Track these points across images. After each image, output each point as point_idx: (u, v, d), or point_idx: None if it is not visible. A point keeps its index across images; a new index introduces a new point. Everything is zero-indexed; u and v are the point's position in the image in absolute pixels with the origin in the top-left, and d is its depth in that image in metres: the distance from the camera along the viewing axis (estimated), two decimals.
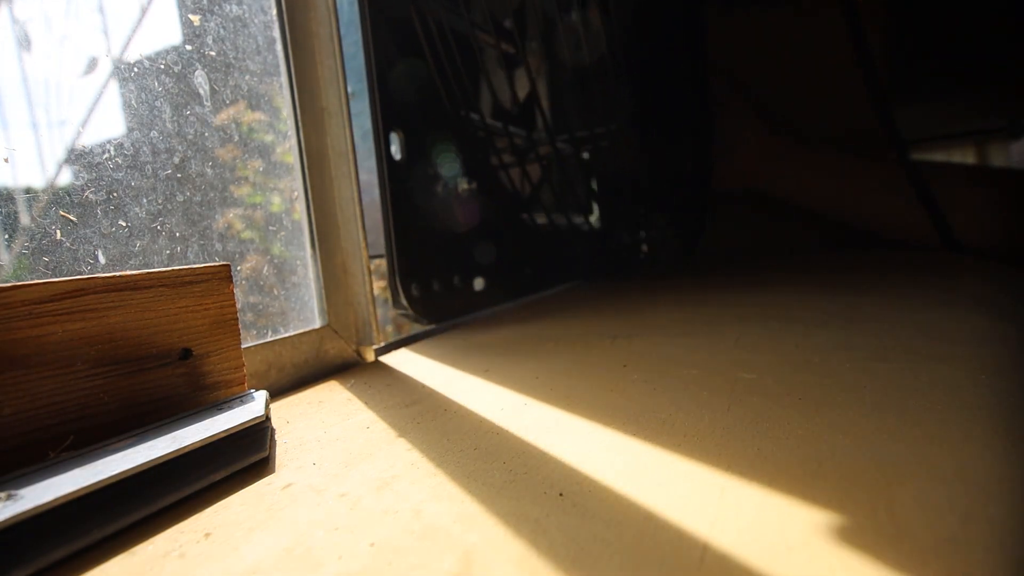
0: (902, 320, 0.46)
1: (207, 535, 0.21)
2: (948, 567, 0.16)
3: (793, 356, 0.38)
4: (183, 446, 0.24)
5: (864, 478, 0.21)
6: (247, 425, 0.28)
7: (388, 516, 0.22)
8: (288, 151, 0.50)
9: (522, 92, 0.91)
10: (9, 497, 0.20)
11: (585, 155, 1.01)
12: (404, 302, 0.63)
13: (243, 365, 0.34)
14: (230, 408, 0.30)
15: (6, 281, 0.30)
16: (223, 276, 0.34)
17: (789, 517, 0.19)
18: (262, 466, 0.28)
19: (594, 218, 1.10)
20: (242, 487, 0.25)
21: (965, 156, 1.29)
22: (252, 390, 0.33)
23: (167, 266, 0.37)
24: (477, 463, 0.26)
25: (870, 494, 0.20)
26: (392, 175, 0.62)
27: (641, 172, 1.11)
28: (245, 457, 0.27)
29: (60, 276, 0.31)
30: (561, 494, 0.22)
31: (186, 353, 0.31)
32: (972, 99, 1.20)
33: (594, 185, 1.12)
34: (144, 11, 0.41)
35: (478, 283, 0.77)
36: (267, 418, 0.29)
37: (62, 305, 0.27)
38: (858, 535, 0.18)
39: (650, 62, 1.10)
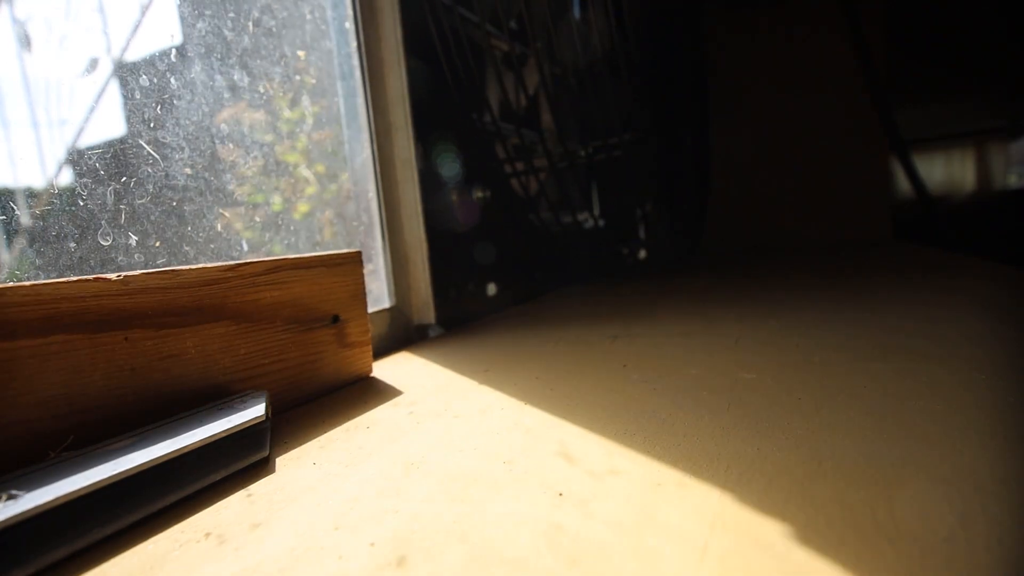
0: (902, 320, 0.46)
1: (207, 535, 0.21)
2: (948, 567, 0.16)
3: (793, 356, 0.38)
4: (183, 446, 0.24)
5: (863, 478, 0.21)
6: (247, 425, 0.28)
7: (388, 516, 0.22)
8: (367, 160, 0.59)
9: (530, 96, 0.90)
10: (9, 497, 0.20)
11: (583, 153, 1.01)
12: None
13: (369, 330, 0.43)
14: (231, 408, 0.30)
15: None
16: (356, 260, 0.43)
17: (789, 517, 0.19)
18: (262, 466, 0.28)
19: (596, 218, 1.10)
20: (242, 487, 0.25)
21: (965, 156, 1.29)
22: (252, 390, 0.33)
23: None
24: (477, 463, 0.26)
25: (869, 494, 0.20)
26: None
27: (645, 172, 1.11)
28: (245, 457, 0.27)
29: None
30: (561, 494, 0.22)
31: (336, 318, 0.40)
32: (972, 99, 1.20)
33: (597, 185, 1.12)
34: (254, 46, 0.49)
35: (491, 288, 0.77)
36: (267, 418, 0.29)
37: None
38: (858, 535, 0.18)
39: (656, 62, 1.10)
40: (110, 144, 0.38)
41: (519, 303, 0.82)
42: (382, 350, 0.54)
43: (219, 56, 0.45)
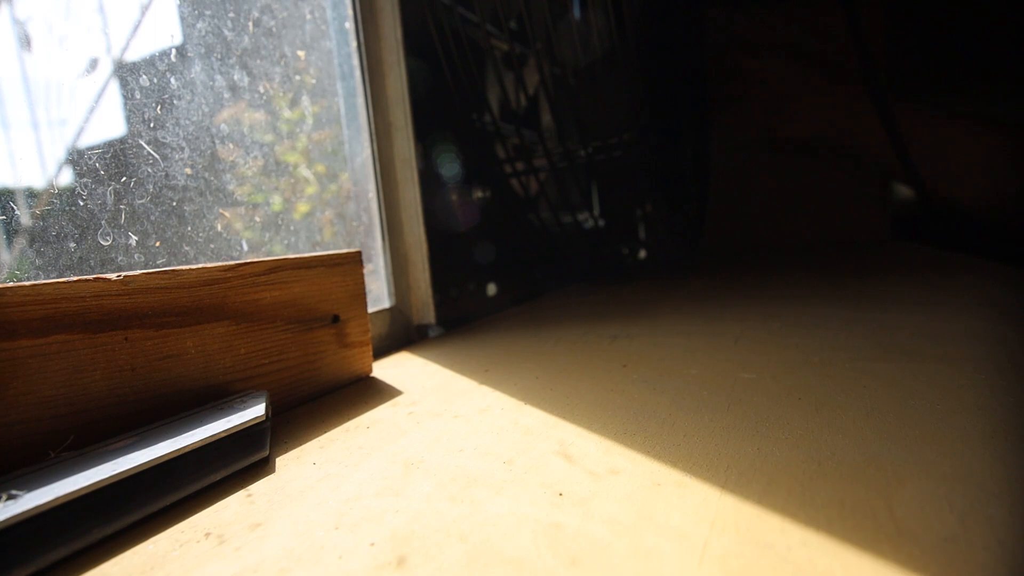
0: (902, 320, 0.46)
1: (207, 535, 0.21)
2: (948, 567, 0.16)
3: (793, 356, 0.38)
4: (183, 446, 0.24)
5: (864, 477, 0.21)
6: (247, 425, 0.28)
7: (388, 515, 0.22)
8: (367, 160, 0.59)
9: (530, 97, 0.90)
10: (9, 497, 0.20)
11: (583, 153, 1.01)
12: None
13: (369, 330, 0.43)
14: (231, 408, 0.30)
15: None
16: (356, 260, 0.43)
17: (789, 517, 0.19)
18: (262, 466, 0.28)
19: (596, 218, 1.10)
20: (242, 487, 0.25)
21: None
22: (252, 390, 0.33)
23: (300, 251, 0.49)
24: (477, 462, 0.26)
25: (870, 493, 0.20)
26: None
27: (645, 171, 1.11)
28: (245, 457, 0.27)
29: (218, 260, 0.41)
30: (561, 494, 0.22)
31: (336, 318, 0.40)
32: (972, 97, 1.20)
33: (597, 185, 1.12)
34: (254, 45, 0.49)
35: (491, 288, 0.77)
36: (267, 418, 0.29)
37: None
38: (858, 534, 0.18)
39: (656, 61, 1.10)
40: (110, 144, 0.38)
41: (519, 303, 0.82)
42: (382, 350, 0.54)
43: (219, 56, 0.45)
